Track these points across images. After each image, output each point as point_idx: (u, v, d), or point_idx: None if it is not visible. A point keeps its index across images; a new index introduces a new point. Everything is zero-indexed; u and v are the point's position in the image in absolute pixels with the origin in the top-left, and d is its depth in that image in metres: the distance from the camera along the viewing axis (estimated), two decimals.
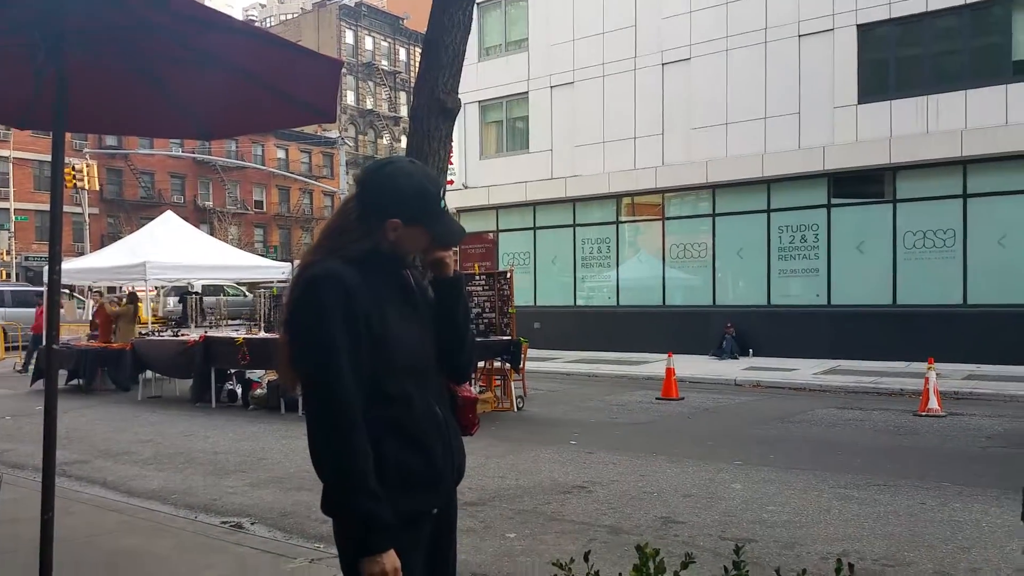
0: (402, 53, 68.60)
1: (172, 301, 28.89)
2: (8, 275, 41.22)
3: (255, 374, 13.65)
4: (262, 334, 14.66)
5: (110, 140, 47.12)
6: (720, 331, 19.77)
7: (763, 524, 6.10)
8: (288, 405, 12.21)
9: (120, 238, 26.74)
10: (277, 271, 20.14)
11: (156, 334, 16.15)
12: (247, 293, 30.05)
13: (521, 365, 12.84)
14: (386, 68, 67.36)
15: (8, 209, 43.62)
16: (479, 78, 24.26)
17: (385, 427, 2.07)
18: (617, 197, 22.48)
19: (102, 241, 43.25)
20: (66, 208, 29.32)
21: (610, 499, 6.92)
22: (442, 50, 6.44)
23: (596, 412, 12.36)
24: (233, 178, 57.54)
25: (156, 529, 5.97)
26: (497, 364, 12.90)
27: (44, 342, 11.41)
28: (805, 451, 9.18)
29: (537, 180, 23.62)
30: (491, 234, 22.56)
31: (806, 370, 16.66)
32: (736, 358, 19.15)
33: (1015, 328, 16.23)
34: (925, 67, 18.09)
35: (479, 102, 24.96)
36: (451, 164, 16.67)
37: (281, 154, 59.95)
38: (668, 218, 21.80)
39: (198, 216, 50.78)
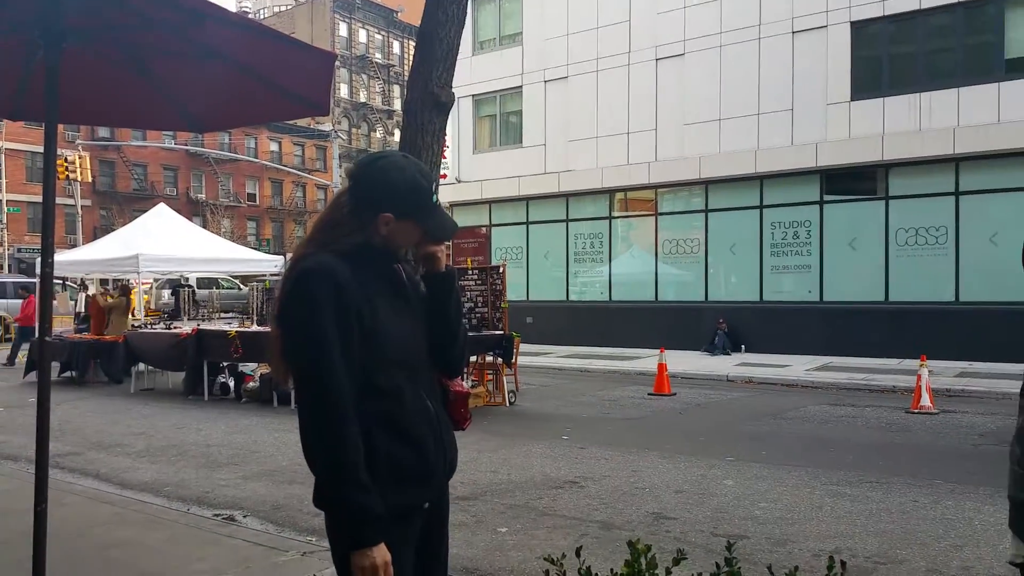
0: (396, 46, 68.46)
1: (166, 294, 28.81)
2: (1, 267, 41.08)
3: (248, 367, 13.68)
4: (255, 327, 14.64)
5: (102, 132, 46.95)
6: (712, 327, 19.79)
7: (755, 521, 6.11)
8: (281, 398, 12.22)
9: (113, 230, 26.65)
10: (270, 264, 20.09)
11: (149, 327, 16.13)
12: (241, 286, 29.98)
13: (513, 360, 12.86)
14: (380, 61, 67.21)
15: (0, 200, 43.43)
16: (473, 72, 24.25)
17: (376, 421, 2.07)
18: (610, 192, 22.50)
19: (95, 233, 43.13)
20: (58, 200, 29.29)
21: (602, 494, 6.92)
22: (436, 44, 6.44)
23: (588, 407, 12.36)
24: (226, 171, 57.36)
25: (149, 521, 5.97)
26: (489, 359, 12.89)
27: (36, 334, 11.35)
28: (797, 448, 9.19)
29: (530, 175, 23.61)
30: (484, 228, 22.55)
31: (798, 366, 16.70)
32: (728, 354, 19.19)
33: (1007, 325, 16.28)
34: (918, 64, 18.12)
35: (473, 96, 24.93)
36: (444, 158, 16.67)
37: (274, 147, 59.81)
38: (661, 213, 21.81)
39: (191, 208, 50.66)
